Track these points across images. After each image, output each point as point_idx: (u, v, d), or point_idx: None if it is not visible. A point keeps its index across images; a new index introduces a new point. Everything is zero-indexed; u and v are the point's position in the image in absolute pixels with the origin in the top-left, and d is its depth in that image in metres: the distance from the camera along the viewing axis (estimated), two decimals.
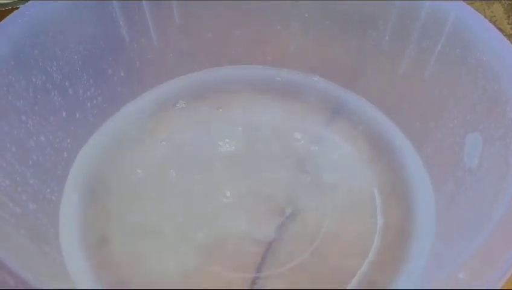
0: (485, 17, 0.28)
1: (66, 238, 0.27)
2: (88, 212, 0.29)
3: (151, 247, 0.28)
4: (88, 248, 0.27)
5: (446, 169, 0.28)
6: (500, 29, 0.36)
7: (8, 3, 0.35)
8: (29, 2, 0.27)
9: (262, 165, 0.31)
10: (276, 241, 0.28)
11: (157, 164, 0.31)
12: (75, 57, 0.29)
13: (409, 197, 0.30)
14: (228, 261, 0.27)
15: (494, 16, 0.38)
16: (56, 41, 0.28)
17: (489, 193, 0.22)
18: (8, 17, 0.26)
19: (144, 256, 0.27)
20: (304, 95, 0.35)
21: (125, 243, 0.28)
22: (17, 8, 0.27)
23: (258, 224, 0.28)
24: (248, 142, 0.32)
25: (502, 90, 0.24)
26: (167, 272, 0.27)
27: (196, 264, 0.27)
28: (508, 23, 0.37)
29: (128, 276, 0.26)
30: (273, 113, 0.34)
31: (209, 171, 0.31)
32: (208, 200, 0.29)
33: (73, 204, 0.29)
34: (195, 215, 0.29)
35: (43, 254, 0.25)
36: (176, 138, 0.32)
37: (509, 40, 0.26)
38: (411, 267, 0.27)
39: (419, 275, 0.26)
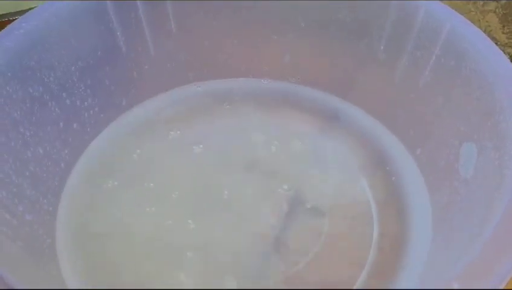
0: (480, 27, 0.28)
1: (62, 250, 0.27)
2: (85, 223, 0.29)
3: (150, 254, 0.28)
4: (85, 259, 0.27)
5: (441, 179, 0.28)
6: (495, 39, 0.37)
7: (4, 14, 0.36)
8: (26, 14, 0.27)
9: (255, 174, 0.31)
10: (272, 250, 0.28)
11: (156, 173, 0.31)
12: (72, 67, 0.29)
13: (405, 206, 0.30)
14: (224, 270, 0.27)
15: (489, 26, 0.38)
16: (53, 52, 0.28)
17: (483, 203, 0.22)
18: (5, 29, 0.27)
19: (141, 262, 0.27)
20: (299, 104, 0.35)
21: (123, 253, 0.28)
22: (14, 20, 0.28)
23: (253, 234, 0.28)
24: (243, 152, 0.32)
25: (495, 101, 0.24)
26: (161, 276, 0.27)
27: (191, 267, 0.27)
28: (503, 33, 0.37)
29: (124, 285, 0.26)
30: (268, 123, 0.34)
31: (207, 180, 0.31)
32: (208, 207, 0.30)
33: (71, 216, 0.29)
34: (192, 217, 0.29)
35: (39, 265, 0.25)
36: (174, 149, 0.32)
37: (504, 50, 0.26)
38: (407, 276, 0.27)
39: (415, 285, 0.26)
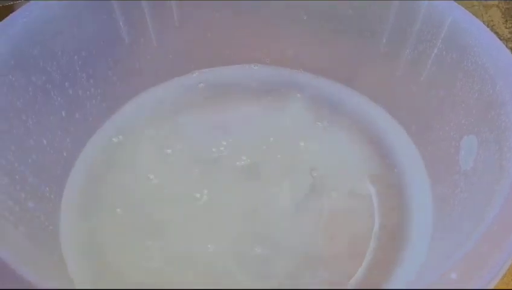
0: (483, 21, 0.28)
1: (65, 237, 0.27)
2: (88, 212, 0.29)
3: (153, 245, 0.28)
4: (88, 248, 0.27)
5: (442, 171, 0.28)
6: (497, 34, 0.36)
7: None
8: (29, 3, 0.28)
9: (257, 163, 0.31)
10: (273, 241, 0.28)
11: (158, 164, 0.31)
12: (75, 57, 0.29)
13: (406, 198, 0.30)
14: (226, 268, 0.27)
15: (492, 20, 0.38)
16: (56, 41, 0.28)
17: (482, 195, 0.22)
18: (8, 17, 0.27)
19: (145, 255, 0.27)
20: (302, 94, 0.35)
21: (125, 243, 0.28)
22: (17, 2, 0.27)
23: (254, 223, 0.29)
24: (246, 141, 0.32)
25: (497, 94, 0.24)
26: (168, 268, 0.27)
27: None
28: (506, 27, 0.37)
29: (128, 276, 0.26)
30: (269, 111, 0.34)
31: (211, 169, 0.31)
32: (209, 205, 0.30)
33: (74, 204, 0.29)
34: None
35: (41, 251, 0.25)
36: (175, 138, 0.33)
37: (507, 44, 0.26)
38: (406, 269, 0.27)
39: (414, 276, 0.26)
